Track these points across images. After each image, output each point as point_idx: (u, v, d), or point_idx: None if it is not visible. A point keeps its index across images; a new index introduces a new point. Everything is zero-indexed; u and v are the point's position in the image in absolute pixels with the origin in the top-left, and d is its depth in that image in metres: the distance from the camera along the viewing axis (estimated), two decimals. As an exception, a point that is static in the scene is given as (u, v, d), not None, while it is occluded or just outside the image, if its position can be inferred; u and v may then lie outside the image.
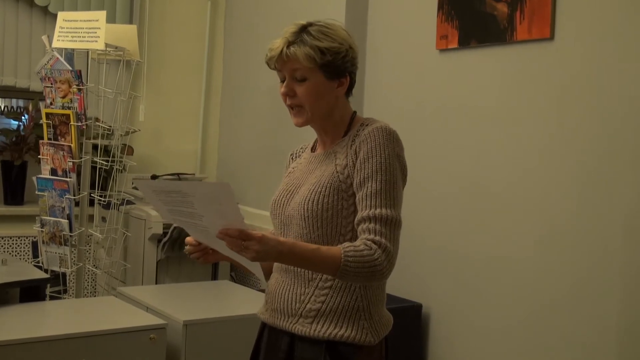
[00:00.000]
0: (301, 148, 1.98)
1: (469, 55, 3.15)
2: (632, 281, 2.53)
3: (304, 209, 1.73)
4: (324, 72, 1.74)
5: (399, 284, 3.26)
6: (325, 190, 1.72)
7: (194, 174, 4.46)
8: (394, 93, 3.55)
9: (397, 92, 3.53)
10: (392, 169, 1.70)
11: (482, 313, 3.06)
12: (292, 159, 1.98)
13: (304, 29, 1.74)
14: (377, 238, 1.64)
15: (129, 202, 3.97)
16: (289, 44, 1.72)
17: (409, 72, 3.46)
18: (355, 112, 1.85)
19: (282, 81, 1.78)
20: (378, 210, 1.66)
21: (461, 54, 3.19)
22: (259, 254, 1.55)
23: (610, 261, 2.58)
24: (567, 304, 2.72)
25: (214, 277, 4.14)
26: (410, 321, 3.25)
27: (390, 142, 1.72)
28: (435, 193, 3.29)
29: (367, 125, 1.77)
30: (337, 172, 1.74)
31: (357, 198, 1.71)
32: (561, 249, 2.75)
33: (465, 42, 3.14)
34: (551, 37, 2.78)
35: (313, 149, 1.90)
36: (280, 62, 1.74)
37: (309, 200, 1.72)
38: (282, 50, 1.73)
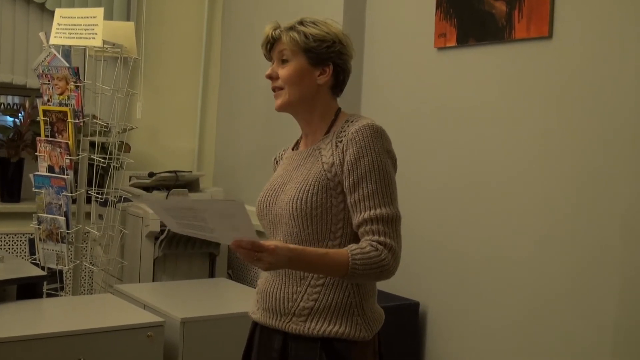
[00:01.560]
0: (283, 150, 1.99)
1: (468, 54, 3.15)
2: (630, 281, 2.53)
3: (292, 207, 1.73)
4: (307, 56, 1.78)
5: (396, 282, 3.25)
6: (314, 189, 1.73)
7: (191, 172, 4.45)
8: (392, 91, 3.55)
9: (395, 91, 3.52)
10: (384, 166, 1.72)
11: (479, 311, 3.06)
12: (276, 163, 2.00)
13: (300, 20, 1.81)
14: (382, 239, 1.67)
15: (126, 200, 3.97)
16: (277, 28, 1.80)
17: (407, 71, 3.46)
18: (340, 109, 1.86)
19: None
20: (378, 211, 1.68)
21: (459, 53, 3.18)
22: (271, 264, 1.59)
23: (609, 260, 2.59)
24: (565, 303, 2.73)
25: (212, 274, 4.14)
26: (408, 319, 3.25)
27: (379, 140, 1.73)
28: (433, 191, 3.29)
29: (352, 122, 1.78)
30: (324, 170, 1.75)
31: (351, 200, 1.71)
32: (559, 247, 2.76)
33: (463, 40, 3.14)
34: (549, 36, 2.78)
35: (294, 148, 1.91)
36: (268, 45, 1.82)
37: (297, 198, 1.73)
38: (268, 34, 1.81)
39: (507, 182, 2.96)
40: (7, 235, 4.18)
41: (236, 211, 1.51)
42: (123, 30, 3.85)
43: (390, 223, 1.69)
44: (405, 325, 3.23)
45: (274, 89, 1.82)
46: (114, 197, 3.81)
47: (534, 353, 2.83)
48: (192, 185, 4.28)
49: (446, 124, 3.24)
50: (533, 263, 2.84)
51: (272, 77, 1.82)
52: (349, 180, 1.71)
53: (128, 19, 4.43)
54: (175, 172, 4.22)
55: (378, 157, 1.71)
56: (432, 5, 3.27)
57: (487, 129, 3.05)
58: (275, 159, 2.00)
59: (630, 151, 2.53)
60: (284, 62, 1.79)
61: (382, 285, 3.19)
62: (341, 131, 1.77)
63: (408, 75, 3.46)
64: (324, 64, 1.79)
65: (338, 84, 1.83)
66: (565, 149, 2.74)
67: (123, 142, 4.04)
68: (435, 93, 3.31)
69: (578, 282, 2.68)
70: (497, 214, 2.99)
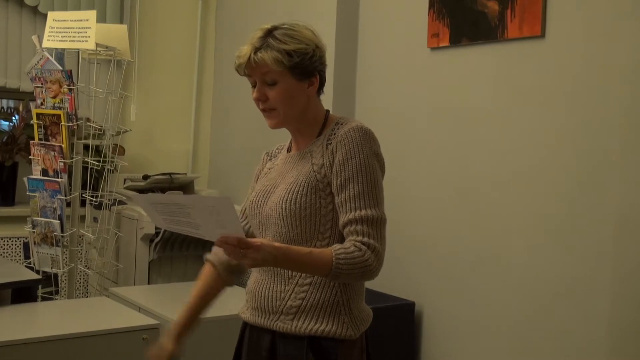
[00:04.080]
0: (277, 148, 1.99)
1: (461, 54, 3.15)
2: (622, 280, 2.54)
3: (281, 208, 1.75)
4: (294, 74, 1.75)
5: (392, 282, 3.27)
6: (303, 190, 1.74)
7: (185, 174, 4.45)
8: (385, 91, 3.55)
9: (389, 91, 3.53)
10: (372, 169, 1.73)
11: (474, 311, 3.06)
12: (267, 157, 1.99)
13: (269, 33, 1.76)
14: (366, 239, 1.68)
15: (120, 202, 3.96)
16: (256, 49, 1.74)
17: (401, 71, 3.47)
18: (328, 111, 1.86)
19: (253, 86, 1.80)
20: (363, 212, 1.69)
21: (452, 52, 3.19)
22: (256, 261, 1.58)
23: (602, 260, 2.59)
24: (559, 303, 2.73)
25: (207, 276, 4.13)
26: (403, 319, 3.25)
27: (367, 142, 1.74)
28: (426, 192, 3.29)
29: (342, 124, 1.79)
30: (314, 171, 1.76)
31: (338, 200, 1.73)
32: (552, 247, 2.76)
33: (456, 40, 3.14)
34: (542, 35, 2.79)
35: (289, 150, 1.92)
36: (249, 69, 1.77)
37: (286, 199, 1.74)
38: (249, 57, 1.75)
39: (500, 181, 2.97)
40: (2, 239, 4.17)
41: (222, 207, 1.51)
42: (116, 33, 3.85)
43: (375, 225, 1.70)
44: (400, 326, 3.23)
45: (264, 110, 1.79)
46: (109, 200, 3.80)
47: (529, 353, 2.84)
48: (187, 187, 4.28)
49: (439, 124, 3.24)
50: (527, 263, 2.85)
51: (260, 99, 1.78)
52: (337, 181, 1.72)
53: (121, 22, 4.42)
54: (169, 174, 4.22)
55: (366, 159, 1.72)
56: (424, 5, 3.28)
57: (480, 129, 3.05)
58: (266, 153, 2.00)
59: (622, 150, 2.54)
60: (268, 82, 1.75)
61: (377, 286, 3.20)
62: (331, 134, 1.78)
63: (401, 75, 3.46)
64: (311, 75, 1.78)
65: (321, 85, 1.84)
66: (558, 148, 2.75)
67: (117, 144, 4.03)
68: (428, 93, 3.31)
69: (572, 282, 2.69)
70: (491, 214, 3.00)
